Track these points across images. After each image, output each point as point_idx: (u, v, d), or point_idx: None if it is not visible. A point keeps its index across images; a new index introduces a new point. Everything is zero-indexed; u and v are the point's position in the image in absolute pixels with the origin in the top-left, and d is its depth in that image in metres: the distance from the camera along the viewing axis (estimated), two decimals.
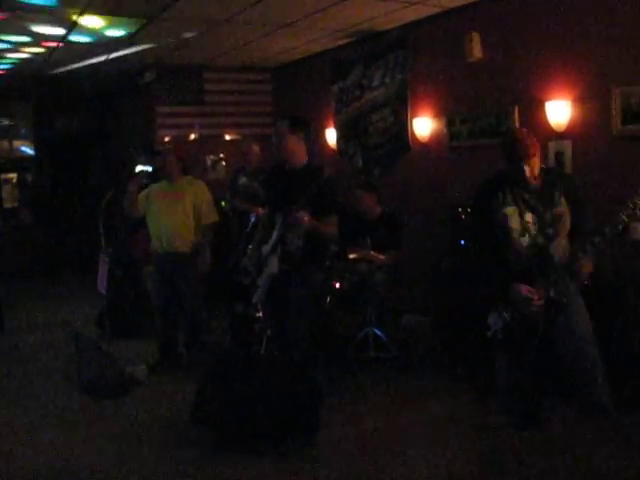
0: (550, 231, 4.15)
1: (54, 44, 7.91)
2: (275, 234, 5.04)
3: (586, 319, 4.20)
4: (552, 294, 4.06)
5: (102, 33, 7.46)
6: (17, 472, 4.50)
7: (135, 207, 6.48)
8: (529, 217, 4.20)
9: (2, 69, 9.40)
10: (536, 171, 4.12)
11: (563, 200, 4.20)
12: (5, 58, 8.63)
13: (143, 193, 6.57)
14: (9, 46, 7.95)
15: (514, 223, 4.20)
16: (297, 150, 5.06)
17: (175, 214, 6.42)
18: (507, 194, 4.24)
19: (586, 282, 4.27)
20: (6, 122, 13.00)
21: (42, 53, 8.43)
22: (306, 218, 4.74)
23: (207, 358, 6.01)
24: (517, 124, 6.40)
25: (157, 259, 6.56)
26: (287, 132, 5.00)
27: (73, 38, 7.62)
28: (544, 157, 4.84)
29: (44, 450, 4.81)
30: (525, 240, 4.19)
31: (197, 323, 6.67)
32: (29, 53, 8.35)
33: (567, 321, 4.13)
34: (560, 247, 4.15)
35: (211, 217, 6.59)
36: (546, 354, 4.29)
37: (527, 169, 4.06)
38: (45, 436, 5.05)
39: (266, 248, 5.14)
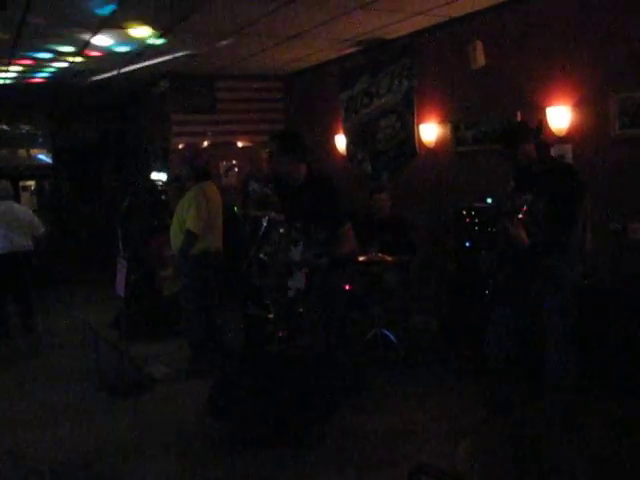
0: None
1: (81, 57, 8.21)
2: (298, 255, 5.05)
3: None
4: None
5: (118, 46, 7.73)
6: (36, 462, 4.73)
7: None
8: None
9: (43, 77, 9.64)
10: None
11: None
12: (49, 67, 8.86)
13: None
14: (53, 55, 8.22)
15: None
16: (291, 169, 5.04)
17: (174, 220, 6.72)
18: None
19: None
20: (24, 131, 13.31)
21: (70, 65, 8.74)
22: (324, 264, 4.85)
23: (222, 357, 6.24)
24: None
25: None
26: (278, 154, 5.02)
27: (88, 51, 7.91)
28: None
29: (63, 442, 5.05)
30: None
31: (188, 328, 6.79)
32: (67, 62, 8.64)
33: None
34: None
35: (185, 224, 6.50)
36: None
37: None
38: (64, 429, 5.30)
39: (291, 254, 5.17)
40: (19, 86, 10.27)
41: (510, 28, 6.70)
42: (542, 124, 5.74)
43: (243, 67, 9.76)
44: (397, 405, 5.53)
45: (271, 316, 6.79)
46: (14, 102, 12.18)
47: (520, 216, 4.46)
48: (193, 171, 6.77)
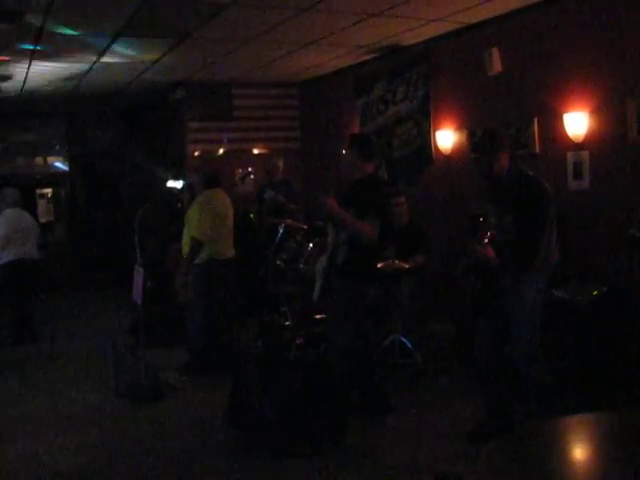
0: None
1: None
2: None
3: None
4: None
5: (134, 55, 7.79)
6: (54, 468, 4.74)
7: None
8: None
9: None
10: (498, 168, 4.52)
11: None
12: None
13: None
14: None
15: None
16: (353, 165, 5.28)
17: (185, 227, 6.78)
18: None
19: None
20: (41, 139, 13.39)
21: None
22: (328, 201, 4.97)
23: (238, 364, 6.23)
24: (537, 136, 6.59)
25: None
26: (344, 149, 5.33)
27: (105, 60, 7.97)
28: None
29: (80, 448, 5.06)
30: None
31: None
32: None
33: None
34: None
35: (190, 232, 6.61)
36: None
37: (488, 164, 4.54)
38: (81, 435, 5.31)
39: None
40: (35, 93, 10.32)
41: (526, 34, 6.70)
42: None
43: (259, 74, 9.78)
44: (414, 411, 5.50)
45: (288, 323, 6.80)
46: (31, 110, 12.26)
47: (485, 241, 4.42)
48: (203, 178, 6.85)
